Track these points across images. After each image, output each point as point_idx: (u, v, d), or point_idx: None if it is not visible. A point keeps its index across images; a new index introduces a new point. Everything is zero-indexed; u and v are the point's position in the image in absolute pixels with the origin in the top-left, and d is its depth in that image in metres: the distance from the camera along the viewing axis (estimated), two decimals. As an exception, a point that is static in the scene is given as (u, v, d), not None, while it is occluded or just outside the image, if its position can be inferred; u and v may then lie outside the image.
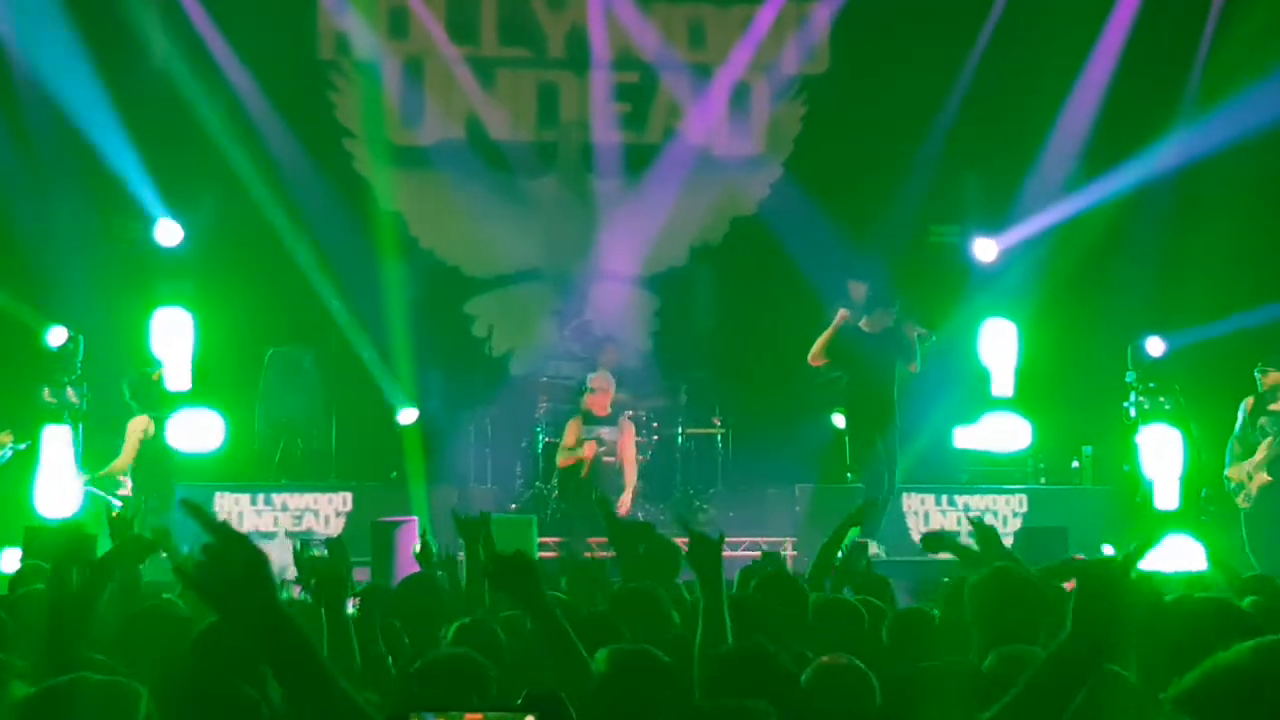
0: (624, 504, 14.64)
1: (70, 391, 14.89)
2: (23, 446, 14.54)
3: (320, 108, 18.65)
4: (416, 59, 18.91)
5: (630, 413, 15.77)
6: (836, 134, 18.60)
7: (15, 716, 4.03)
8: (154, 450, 14.45)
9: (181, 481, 15.54)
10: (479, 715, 2.83)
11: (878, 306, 14.69)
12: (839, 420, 15.97)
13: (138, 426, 14.41)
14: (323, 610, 5.65)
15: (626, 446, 15.09)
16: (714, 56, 19.02)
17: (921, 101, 18.34)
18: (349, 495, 15.77)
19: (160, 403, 14.67)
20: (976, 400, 16.83)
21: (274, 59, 17.89)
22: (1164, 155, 16.97)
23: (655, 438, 16.89)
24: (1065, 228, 17.32)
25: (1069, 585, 7.41)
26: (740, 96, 19.13)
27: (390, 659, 6.00)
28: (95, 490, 14.20)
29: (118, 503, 14.09)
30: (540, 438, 16.77)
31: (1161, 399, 15.60)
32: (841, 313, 14.57)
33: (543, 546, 14.41)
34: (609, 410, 15.07)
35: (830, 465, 16.83)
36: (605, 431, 15.00)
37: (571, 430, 15.11)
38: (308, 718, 2.98)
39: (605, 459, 14.96)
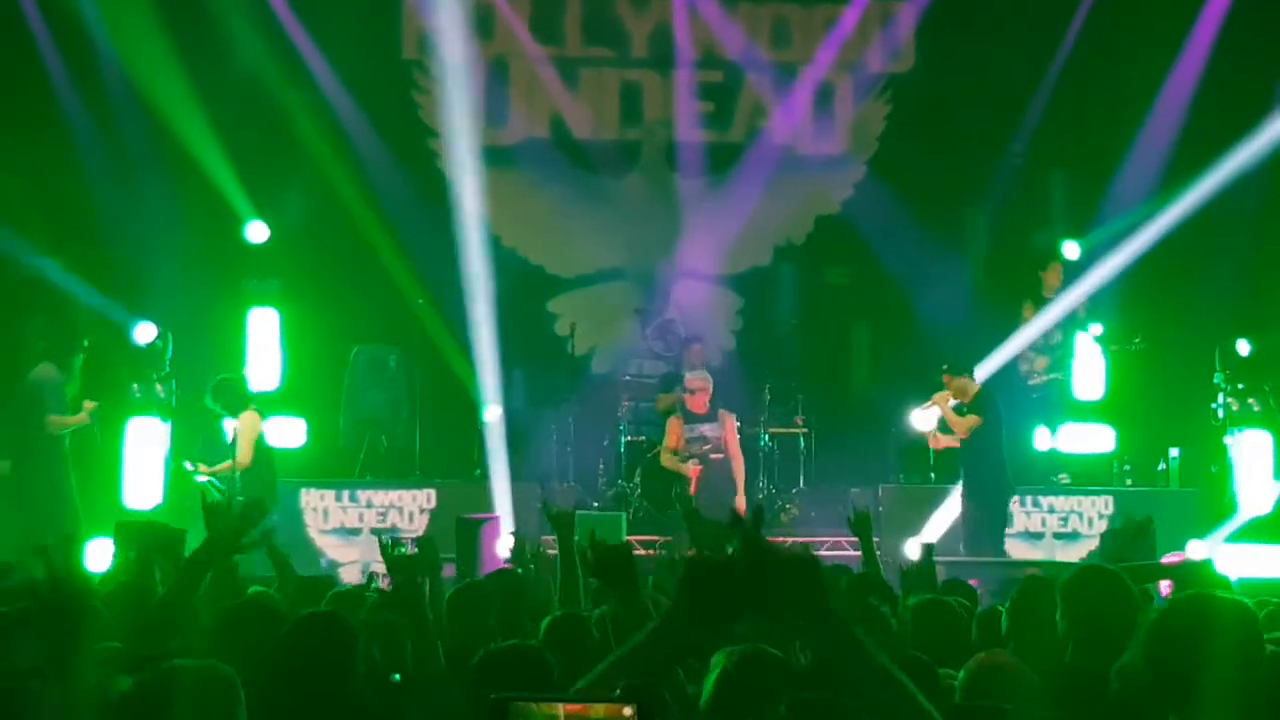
0: (740, 503, 14.43)
1: (159, 387, 15.08)
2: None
3: (405, 107, 18.75)
4: (501, 59, 18.98)
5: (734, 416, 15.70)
6: (921, 133, 18.51)
7: (117, 708, 4.08)
8: (261, 449, 14.42)
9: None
10: (580, 705, 2.84)
11: (958, 374, 14.72)
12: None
13: (253, 424, 14.40)
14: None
15: (731, 440, 14.93)
16: (798, 55, 18.99)
17: (1007, 101, 18.26)
18: (433, 492, 15.85)
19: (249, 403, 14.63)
20: (1064, 403, 16.67)
21: (359, 59, 18.00)
22: (1252, 155, 16.80)
23: (737, 436, 16.87)
24: (1152, 229, 17.18)
25: (1166, 587, 7.42)
26: (824, 95, 19.09)
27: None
28: (213, 482, 14.26)
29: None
30: (622, 436, 16.80)
31: (1250, 400, 15.48)
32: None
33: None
34: (708, 408, 14.99)
35: (913, 465, 16.76)
36: (708, 429, 14.85)
37: (673, 430, 14.94)
38: None
39: (713, 456, 14.85)
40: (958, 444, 14.78)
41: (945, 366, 14.79)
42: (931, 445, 15.29)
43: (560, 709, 2.83)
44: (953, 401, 14.63)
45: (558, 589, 7.67)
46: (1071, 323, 16.38)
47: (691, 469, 14.69)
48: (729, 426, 14.90)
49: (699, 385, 14.93)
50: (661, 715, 2.85)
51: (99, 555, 12.75)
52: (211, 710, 4.05)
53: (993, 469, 14.66)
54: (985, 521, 14.65)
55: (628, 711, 2.83)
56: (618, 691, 2.87)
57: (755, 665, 4.52)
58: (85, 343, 14.44)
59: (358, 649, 4.78)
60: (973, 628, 6.71)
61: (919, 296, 17.91)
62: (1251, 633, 3.82)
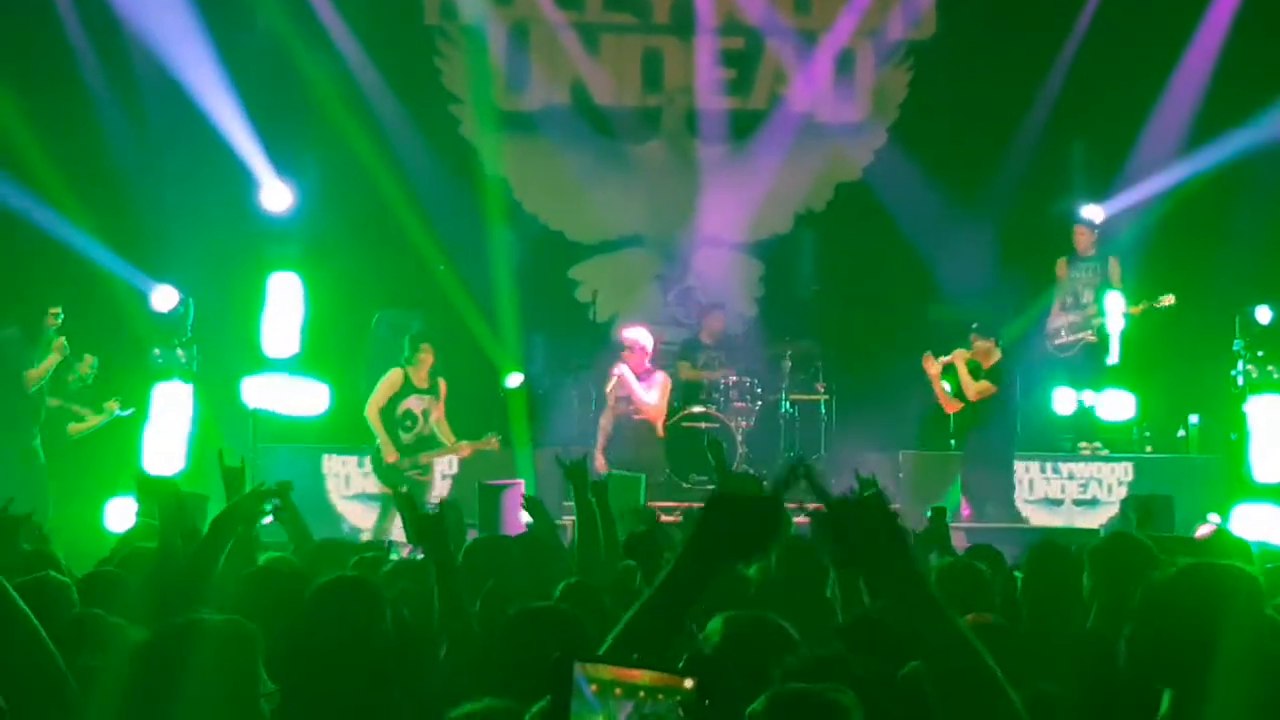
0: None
1: (180, 353, 15.12)
2: (127, 412, 14.69)
3: (427, 73, 18.76)
4: (522, 24, 18.95)
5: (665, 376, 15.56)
6: (942, 99, 18.45)
7: (136, 656, 4.10)
8: None
9: (290, 443, 15.78)
10: (640, 672, 2.83)
11: (986, 336, 14.67)
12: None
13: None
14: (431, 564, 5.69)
15: (657, 397, 14.87)
16: (819, 22, 18.93)
17: (1029, 67, 18.19)
18: (454, 457, 15.85)
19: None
20: (1095, 366, 16.57)
21: (381, 24, 18.01)
22: (1276, 120, 16.74)
23: (759, 404, 16.88)
24: (1174, 194, 17.13)
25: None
26: (845, 62, 19.03)
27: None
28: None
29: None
30: (644, 402, 16.80)
31: (1270, 368, 15.44)
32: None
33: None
34: (646, 367, 14.86)
35: (933, 432, 16.75)
36: (636, 389, 14.87)
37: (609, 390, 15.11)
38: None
39: (635, 416, 14.80)
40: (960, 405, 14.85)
41: (975, 325, 14.76)
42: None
43: (622, 674, 2.83)
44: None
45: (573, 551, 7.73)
46: (1104, 285, 16.28)
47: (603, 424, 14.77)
48: (658, 387, 14.78)
49: (629, 341, 14.86)
50: (722, 690, 2.84)
51: (121, 516, 12.88)
52: (232, 664, 4.07)
53: (1000, 439, 14.65)
54: (989, 489, 14.66)
55: (688, 683, 2.82)
56: (680, 664, 2.87)
57: (756, 633, 4.51)
58: (60, 314, 14.28)
59: (384, 612, 4.81)
60: (995, 592, 6.74)
61: (940, 262, 17.89)
62: (1254, 602, 3.82)
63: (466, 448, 14.39)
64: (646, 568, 5.22)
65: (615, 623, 5.61)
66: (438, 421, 14.28)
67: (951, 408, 15.08)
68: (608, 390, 15.09)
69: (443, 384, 14.39)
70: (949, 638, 3.09)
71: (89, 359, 14.58)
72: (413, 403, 14.19)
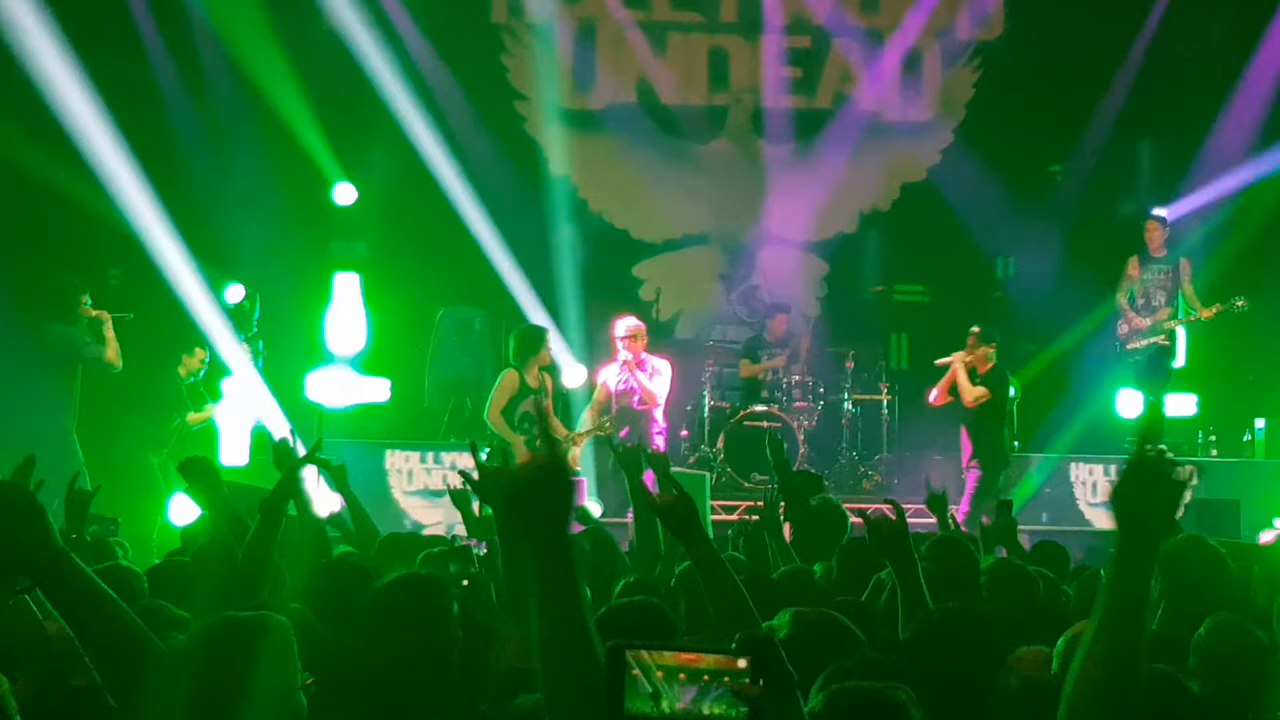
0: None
1: (246, 347, 15.20)
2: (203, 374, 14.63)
3: (493, 70, 18.81)
4: (589, 22, 18.99)
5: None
6: (1009, 100, 18.40)
7: (178, 655, 4.13)
8: None
9: (353, 438, 15.82)
10: (693, 655, 2.86)
11: (986, 342, 14.61)
12: None
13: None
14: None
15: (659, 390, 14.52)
16: (887, 22, 18.90)
17: (1096, 67, 18.11)
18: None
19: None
20: (1166, 370, 16.44)
21: (448, 21, 18.08)
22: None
23: (821, 403, 16.87)
24: (1242, 196, 17.02)
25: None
26: (913, 62, 18.99)
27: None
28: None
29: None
30: (706, 401, 16.81)
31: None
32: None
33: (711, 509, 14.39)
34: (643, 356, 14.51)
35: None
36: (638, 379, 14.39)
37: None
38: (559, 640, 3.14)
39: (638, 407, 14.56)
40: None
41: (977, 329, 14.64)
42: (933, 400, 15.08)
43: (676, 658, 2.85)
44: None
45: (633, 546, 7.73)
46: (1177, 288, 16.15)
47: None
48: (662, 374, 14.48)
49: (628, 331, 14.41)
50: (775, 669, 2.85)
51: (185, 508, 12.90)
52: (267, 657, 4.08)
53: (993, 443, 14.58)
54: (982, 490, 14.62)
55: (741, 664, 2.84)
56: (733, 644, 2.88)
57: (823, 629, 4.54)
58: (89, 300, 14.08)
59: (451, 609, 4.82)
60: (1071, 585, 6.72)
61: (1005, 263, 17.85)
62: None
63: (580, 440, 13.84)
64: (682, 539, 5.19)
65: (684, 618, 5.65)
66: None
67: (939, 400, 14.91)
68: (602, 381, 14.72)
69: (549, 380, 13.90)
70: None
71: (200, 353, 14.51)
72: (529, 404, 13.70)
